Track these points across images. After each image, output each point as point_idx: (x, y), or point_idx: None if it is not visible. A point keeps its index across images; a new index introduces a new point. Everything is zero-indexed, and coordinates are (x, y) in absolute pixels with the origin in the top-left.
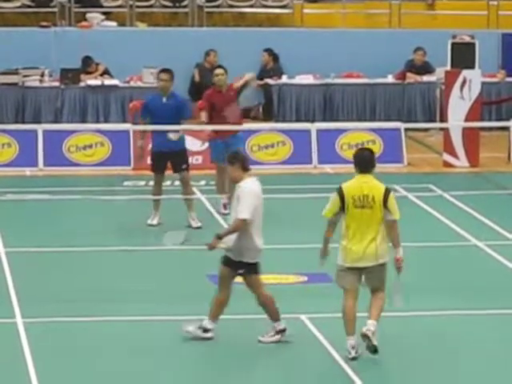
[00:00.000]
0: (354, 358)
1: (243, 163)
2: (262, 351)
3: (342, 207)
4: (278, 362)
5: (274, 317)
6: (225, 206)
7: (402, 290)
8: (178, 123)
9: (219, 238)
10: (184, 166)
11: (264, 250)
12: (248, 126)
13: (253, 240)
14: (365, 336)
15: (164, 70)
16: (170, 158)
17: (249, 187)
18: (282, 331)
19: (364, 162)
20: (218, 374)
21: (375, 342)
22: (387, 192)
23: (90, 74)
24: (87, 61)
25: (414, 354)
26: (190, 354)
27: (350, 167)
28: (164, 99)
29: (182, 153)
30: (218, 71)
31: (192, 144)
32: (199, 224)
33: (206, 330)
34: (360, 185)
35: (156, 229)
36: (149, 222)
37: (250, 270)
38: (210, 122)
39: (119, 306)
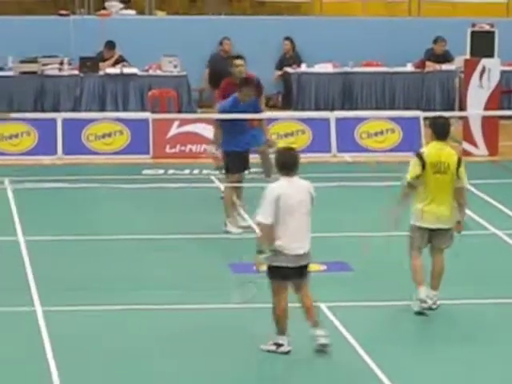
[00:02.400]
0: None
1: None
2: None
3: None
4: (296, 350)
5: (280, 331)
6: None
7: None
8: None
9: None
10: (249, 168)
11: None
12: (267, 114)
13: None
14: (430, 309)
15: (247, 80)
16: (244, 157)
17: None
18: (280, 345)
19: (442, 129)
20: (230, 363)
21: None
22: (460, 160)
23: (105, 60)
24: (109, 45)
25: (427, 341)
26: (204, 342)
27: (369, 156)
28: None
29: (249, 153)
30: (239, 62)
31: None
32: (248, 223)
33: (278, 345)
34: (437, 151)
35: (179, 216)
36: (243, 224)
37: (268, 273)
38: None
39: (139, 295)
